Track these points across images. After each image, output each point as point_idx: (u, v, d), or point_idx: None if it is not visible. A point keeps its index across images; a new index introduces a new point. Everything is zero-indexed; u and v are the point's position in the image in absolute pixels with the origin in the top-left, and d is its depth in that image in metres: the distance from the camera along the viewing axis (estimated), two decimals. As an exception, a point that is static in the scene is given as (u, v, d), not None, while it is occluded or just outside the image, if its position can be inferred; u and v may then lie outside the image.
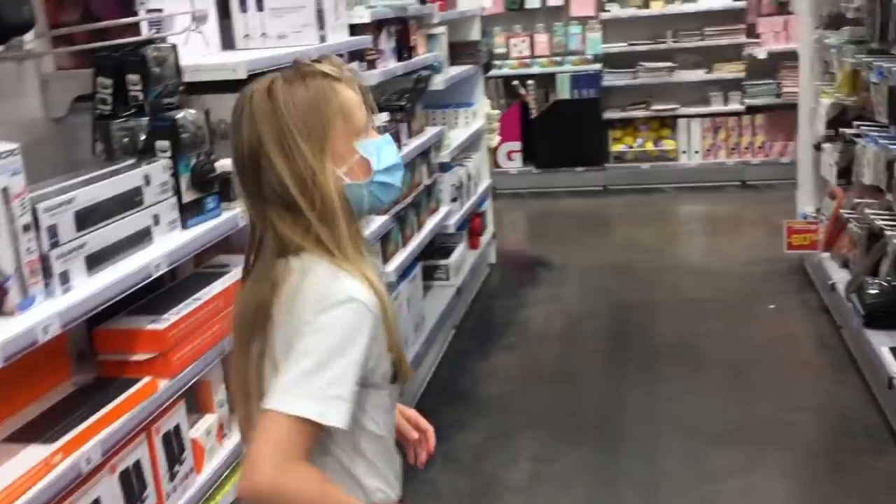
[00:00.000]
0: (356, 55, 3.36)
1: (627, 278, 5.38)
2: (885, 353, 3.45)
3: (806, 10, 5.12)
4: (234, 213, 2.19)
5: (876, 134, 3.79)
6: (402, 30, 3.93)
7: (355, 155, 1.41)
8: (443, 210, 4.51)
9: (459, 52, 5.22)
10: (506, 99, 7.91)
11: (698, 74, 7.52)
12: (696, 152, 7.67)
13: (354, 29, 3.32)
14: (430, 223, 4.26)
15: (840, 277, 4.36)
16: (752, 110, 7.52)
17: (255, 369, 1.40)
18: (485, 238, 5.60)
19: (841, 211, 4.46)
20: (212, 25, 2.62)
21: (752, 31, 7.43)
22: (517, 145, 7.88)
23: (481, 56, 5.37)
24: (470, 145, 5.27)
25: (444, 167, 4.62)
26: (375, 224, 3.32)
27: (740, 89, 7.51)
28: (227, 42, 2.80)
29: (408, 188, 3.92)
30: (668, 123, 7.74)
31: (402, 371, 1.44)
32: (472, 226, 5.37)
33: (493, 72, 7.72)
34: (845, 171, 4.68)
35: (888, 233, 3.58)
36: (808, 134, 5.26)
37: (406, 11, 3.84)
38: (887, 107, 3.63)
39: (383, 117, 3.63)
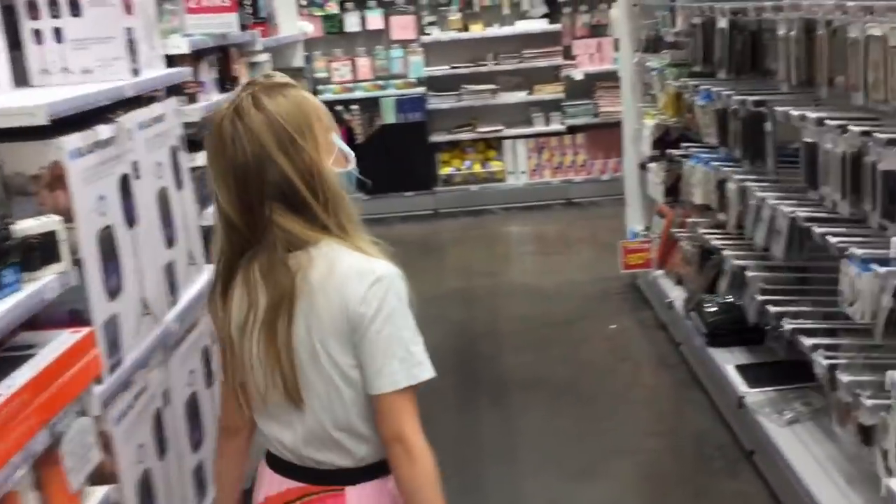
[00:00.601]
0: (175, 90, 3.03)
1: (469, 306, 5.28)
2: (732, 372, 3.50)
3: (625, 34, 5.24)
4: (39, 286, 1.84)
5: (706, 155, 3.88)
6: (223, 59, 3.62)
7: (335, 148, 1.60)
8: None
9: (283, 79, 4.96)
10: (330, 124, 7.67)
11: (520, 96, 7.61)
12: (523, 172, 7.75)
13: (171, 60, 3.00)
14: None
15: (676, 295, 4.45)
16: (572, 130, 7.69)
17: (286, 351, 1.55)
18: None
19: (672, 230, 4.56)
20: (0, 58, 2.24)
21: (568, 53, 7.61)
22: (344, 171, 7.66)
23: (307, 83, 5.11)
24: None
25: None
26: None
27: (560, 110, 7.66)
28: (20, 78, 2.41)
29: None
30: (493, 145, 7.78)
31: None
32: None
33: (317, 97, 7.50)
34: (672, 190, 4.79)
35: (725, 252, 3.66)
36: (633, 154, 5.39)
37: (227, 39, 3.54)
38: (716, 129, 3.72)
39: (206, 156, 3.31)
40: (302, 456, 1.61)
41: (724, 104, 3.60)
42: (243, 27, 3.84)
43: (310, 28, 5.36)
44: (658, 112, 4.82)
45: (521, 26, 7.54)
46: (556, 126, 7.65)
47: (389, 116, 7.56)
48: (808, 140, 2.77)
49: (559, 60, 7.56)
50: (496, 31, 7.54)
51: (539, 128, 7.67)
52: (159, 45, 2.87)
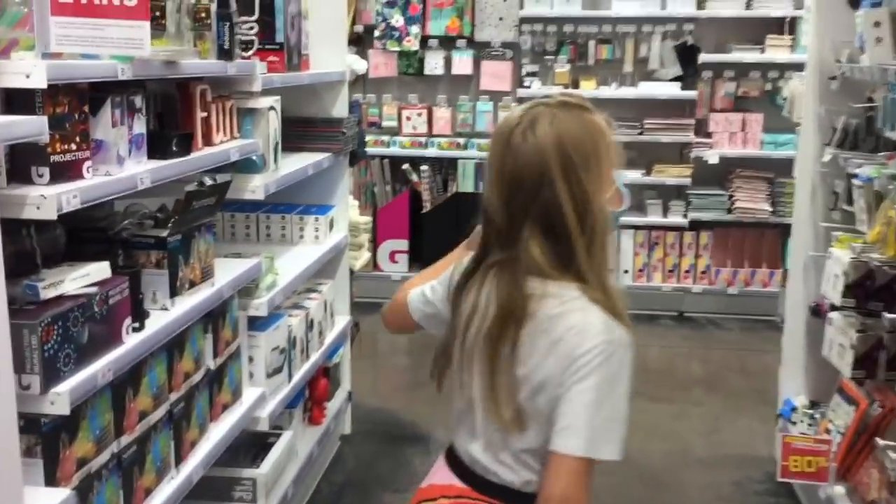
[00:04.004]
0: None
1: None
2: None
3: (811, 118, 3.60)
4: None
5: None
6: (174, 100, 2.16)
7: (614, 185, 1.56)
8: (249, 396, 2.70)
9: (312, 133, 3.49)
10: (393, 185, 6.23)
11: (634, 176, 5.98)
12: (626, 272, 6.10)
13: (20, 99, 1.54)
14: (216, 433, 2.43)
15: (877, 548, 2.75)
16: (696, 226, 6.04)
17: (506, 373, 1.53)
18: (335, 403, 3.81)
19: (881, 442, 2.85)
20: None
21: (702, 129, 5.99)
22: (403, 244, 6.18)
23: (346, 140, 3.64)
24: (321, 271, 3.51)
25: (258, 324, 2.82)
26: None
27: (684, 198, 6.03)
28: None
29: (154, 390, 2.10)
30: (593, 232, 6.19)
31: None
32: (314, 392, 3.58)
33: (381, 150, 6.07)
34: (866, 361, 3.14)
35: None
36: (801, 290, 3.72)
37: (179, 69, 2.06)
38: None
39: (101, 269, 1.82)
40: (474, 459, 1.63)
41: None
42: (225, 52, 2.36)
43: (361, 67, 3.89)
44: (862, 243, 3.16)
45: (646, 89, 5.96)
46: (676, 218, 6.00)
47: (466, 183, 6.07)
48: None
49: (689, 136, 5.93)
50: (612, 91, 5.97)
51: (654, 218, 6.04)
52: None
